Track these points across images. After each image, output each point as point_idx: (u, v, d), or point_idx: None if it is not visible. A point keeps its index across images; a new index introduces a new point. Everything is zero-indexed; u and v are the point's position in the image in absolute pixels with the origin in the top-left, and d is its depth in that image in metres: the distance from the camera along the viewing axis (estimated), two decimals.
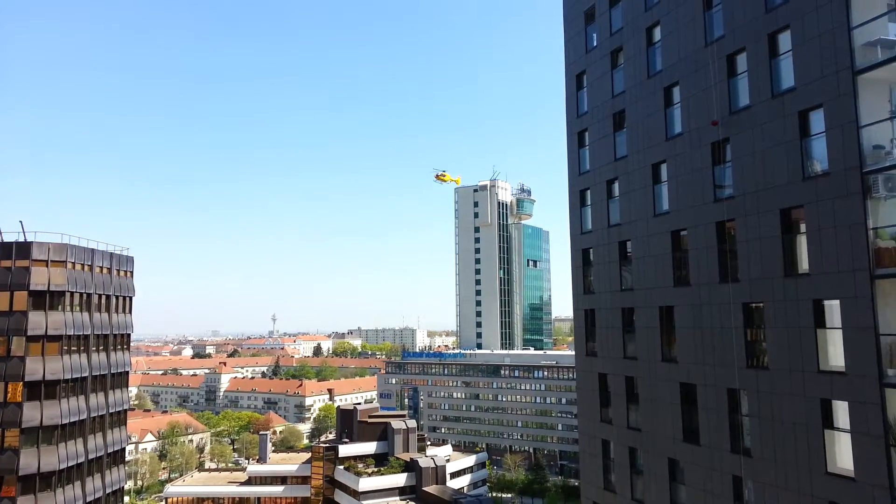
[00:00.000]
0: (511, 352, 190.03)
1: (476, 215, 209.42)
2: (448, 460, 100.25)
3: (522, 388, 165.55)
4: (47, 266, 58.07)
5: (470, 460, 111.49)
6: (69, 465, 58.49)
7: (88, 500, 61.79)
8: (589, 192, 38.96)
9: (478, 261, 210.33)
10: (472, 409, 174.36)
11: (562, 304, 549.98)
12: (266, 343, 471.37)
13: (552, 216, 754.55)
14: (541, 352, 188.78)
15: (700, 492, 28.80)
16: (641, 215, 33.54)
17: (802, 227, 24.54)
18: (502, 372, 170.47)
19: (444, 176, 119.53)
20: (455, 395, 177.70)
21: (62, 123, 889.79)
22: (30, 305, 56.96)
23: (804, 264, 24.42)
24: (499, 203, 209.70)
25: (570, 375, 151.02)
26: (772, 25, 26.10)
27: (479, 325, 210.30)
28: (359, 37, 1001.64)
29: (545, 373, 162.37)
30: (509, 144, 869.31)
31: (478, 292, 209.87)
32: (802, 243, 24.54)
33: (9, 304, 56.80)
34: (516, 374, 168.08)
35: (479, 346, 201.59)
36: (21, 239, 58.71)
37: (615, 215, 36.11)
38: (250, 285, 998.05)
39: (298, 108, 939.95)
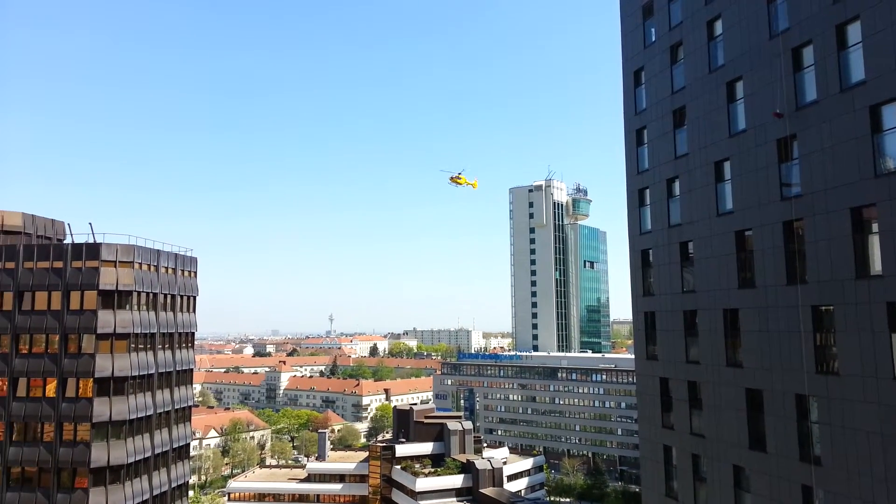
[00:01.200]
0: (568, 354, 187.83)
1: (531, 216, 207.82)
2: (505, 463, 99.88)
3: (580, 391, 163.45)
4: (115, 266, 60.21)
5: (527, 463, 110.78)
6: (136, 459, 60.48)
7: (155, 493, 63.78)
8: (648, 191, 38.09)
9: (533, 262, 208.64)
10: (529, 411, 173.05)
11: (620, 307, 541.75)
12: (324, 343, 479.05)
13: (610, 216, 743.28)
14: (599, 355, 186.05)
15: (767, 501, 27.76)
16: (704, 215, 32.58)
17: (874, 227, 23.39)
18: (559, 375, 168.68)
19: (460, 178, 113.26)
20: (511, 397, 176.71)
21: (128, 134, 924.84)
22: (99, 304, 59.17)
23: (877, 265, 23.25)
24: (554, 203, 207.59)
25: (630, 379, 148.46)
26: (840, 16, 24.97)
27: (535, 326, 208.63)
28: (411, 46, 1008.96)
29: (604, 376, 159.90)
30: (565, 143, 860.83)
31: (533, 294, 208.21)
32: (875, 243, 23.38)
33: (80, 304, 59.15)
34: (574, 377, 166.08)
35: (536, 349, 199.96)
36: (90, 240, 61.09)
37: (676, 215, 35.19)
38: (309, 286, 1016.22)
39: (357, 116, 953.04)
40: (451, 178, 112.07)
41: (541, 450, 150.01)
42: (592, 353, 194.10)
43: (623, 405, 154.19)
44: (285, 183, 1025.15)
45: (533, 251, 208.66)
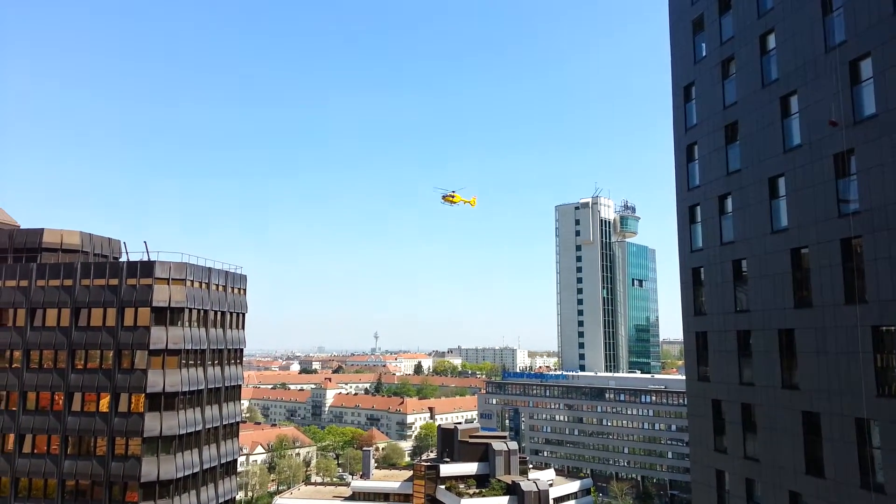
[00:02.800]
0: (616, 375, 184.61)
1: (577, 233, 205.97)
2: (551, 484, 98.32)
3: (629, 412, 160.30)
4: (168, 284, 61.73)
5: (574, 486, 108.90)
6: (185, 474, 61.48)
7: None
8: (699, 208, 37.30)
9: (580, 280, 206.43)
10: (576, 432, 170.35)
11: (670, 326, 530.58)
12: (369, 360, 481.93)
13: (659, 234, 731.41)
14: (648, 375, 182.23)
15: None
16: (757, 232, 31.70)
17: None
18: (607, 395, 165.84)
19: (454, 197, 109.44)
20: (557, 417, 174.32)
21: (177, 149, 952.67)
22: (152, 321, 60.62)
23: None
24: (601, 220, 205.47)
25: (681, 401, 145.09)
26: None
27: (581, 346, 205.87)
28: (458, 60, 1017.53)
29: (653, 397, 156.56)
30: (612, 160, 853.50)
31: (580, 312, 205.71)
32: None
33: (133, 320, 60.75)
34: (622, 398, 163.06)
35: (582, 368, 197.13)
36: (145, 258, 62.83)
37: (728, 232, 34.34)
38: (354, 304, 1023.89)
39: (395, 132, 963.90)
40: (444, 196, 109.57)
41: (588, 472, 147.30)
42: (641, 373, 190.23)
43: (673, 427, 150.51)
44: (332, 202, 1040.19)
45: (579, 269, 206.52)
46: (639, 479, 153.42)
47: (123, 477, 58.62)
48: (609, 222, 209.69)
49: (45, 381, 61.28)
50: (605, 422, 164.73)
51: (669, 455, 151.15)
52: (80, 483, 59.51)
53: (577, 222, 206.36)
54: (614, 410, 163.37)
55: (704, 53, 37.58)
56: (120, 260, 68.47)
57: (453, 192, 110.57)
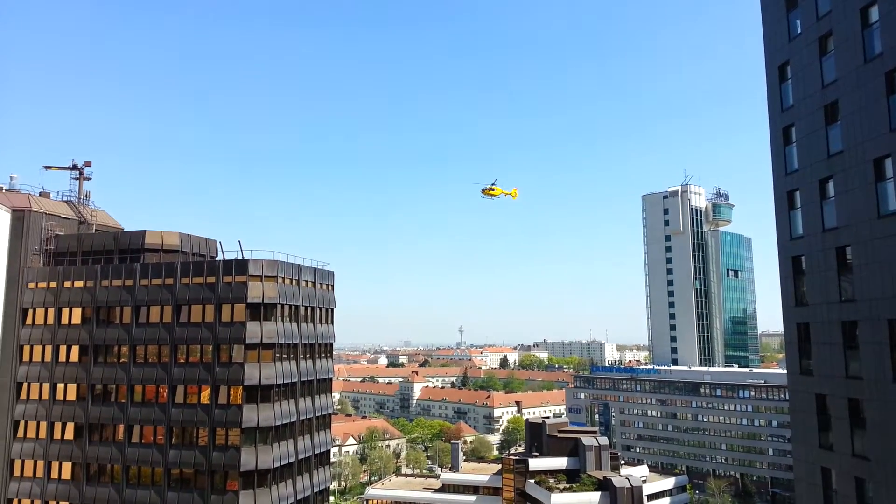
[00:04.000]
0: (711, 369, 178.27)
1: (667, 223, 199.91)
2: (644, 481, 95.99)
3: (726, 408, 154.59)
4: (261, 281, 63.96)
5: (668, 483, 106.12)
6: (282, 463, 63.61)
7: (299, 497, 66.74)
8: (798, 193, 35.30)
9: (670, 271, 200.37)
10: (669, 428, 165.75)
11: (770, 318, 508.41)
12: (454, 354, 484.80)
13: (755, 221, 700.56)
14: (746, 369, 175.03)
15: None
16: (863, 217, 29.67)
17: None
18: (702, 390, 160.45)
19: (494, 190, 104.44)
20: (650, 413, 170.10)
21: (267, 142, 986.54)
22: (247, 317, 63.00)
23: None
24: (692, 209, 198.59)
25: (782, 396, 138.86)
26: None
27: (673, 339, 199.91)
28: (546, 49, 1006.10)
29: (752, 392, 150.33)
30: (701, 146, 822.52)
31: (671, 305, 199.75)
32: None
33: (230, 316, 63.30)
34: (718, 393, 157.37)
35: (675, 362, 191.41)
36: (239, 257, 65.33)
37: (831, 218, 32.31)
38: (439, 298, 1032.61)
39: (477, 118, 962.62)
40: (484, 190, 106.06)
41: (683, 469, 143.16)
42: (739, 367, 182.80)
43: (774, 423, 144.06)
44: (418, 199, 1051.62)
45: (669, 260, 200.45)
46: (738, 476, 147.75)
47: (224, 466, 61.19)
48: (700, 211, 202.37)
49: (150, 375, 64.84)
50: (700, 417, 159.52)
51: (770, 452, 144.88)
52: (184, 472, 62.61)
53: (666, 212, 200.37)
54: (710, 406, 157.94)
55: (799, 30, 35.48)
56: (216, 259, 71.49)
57: (493, 184, 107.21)
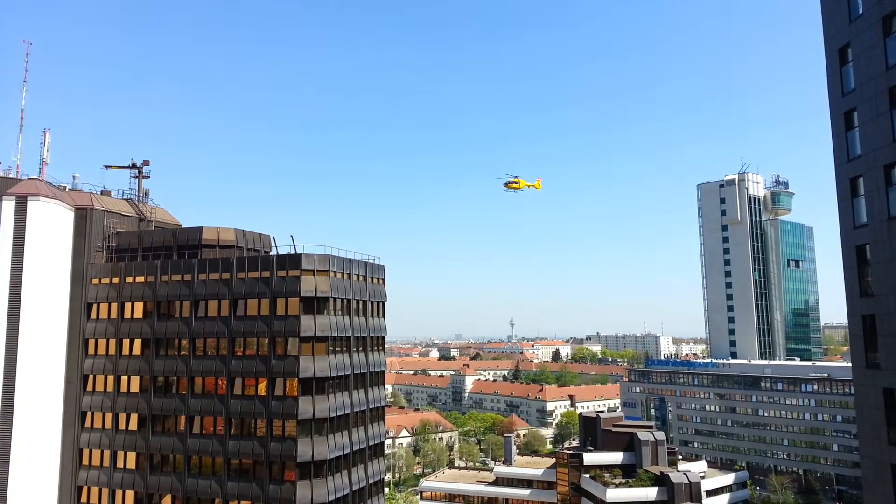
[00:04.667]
0: (772, 362, 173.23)
1: (723, 213, 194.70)
2: (703, 477, 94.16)
3: (787, 402, 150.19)
4: (314, 275, 64.84)
5: (728, 478, 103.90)
6: (337, 455, 64.46)
7: (354, 488, 67.57)
8: (862, 179, 33.81)
9: (727, 262, 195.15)
10: (728, 423, 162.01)
11: (833, 309, 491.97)
12: (505, 347, 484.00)
13: (816, 210, 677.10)
14: (808, 363, 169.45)
15: None
16: None
17: None
18: (762, 384, 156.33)
19: (518, 182, 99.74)
20: (708, 407, 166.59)
21: (328, 140, 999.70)
22: (301, 310, 63.97)
23: None
24: (749, 198, 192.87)
25: (847, 390, 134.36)
26: None
27: (731, 332, 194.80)
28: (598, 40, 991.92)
29: (815, 386, 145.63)
30: (759, 133, 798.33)
31: (729, 297, 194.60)
32: None
33: (284, 310, 64.42)
34: (779, 387, 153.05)
35: (734, 356, 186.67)
36: (292, 252, 66.35)
37: None
38: (490, 291, 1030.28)
39: (522, 112, 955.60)
40: (506, 183, 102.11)
41: (743, 465, 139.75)
42: (801, 360, 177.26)
43: (839, 418, 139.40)
44: (466, 195, 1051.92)
45: (727, 251, 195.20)
46: (800, 472, 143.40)
47: (281, 456, 62.36)
48: (759, 199, 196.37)
49: (209, 367, 66.54)
50: (761, 412, 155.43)
51: (835, 447, 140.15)
52: (243, 462, 64.08)
53: (723, 201, 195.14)
54: (771, 400, 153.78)
55: (861, 11, 33.91)
56: (270, 253, 72.80)
57: (516, 177, 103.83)
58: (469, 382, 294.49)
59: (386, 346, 78.67)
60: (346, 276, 68.46)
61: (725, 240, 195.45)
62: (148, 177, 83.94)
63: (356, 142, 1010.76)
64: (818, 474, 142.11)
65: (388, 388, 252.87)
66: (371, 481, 71.12)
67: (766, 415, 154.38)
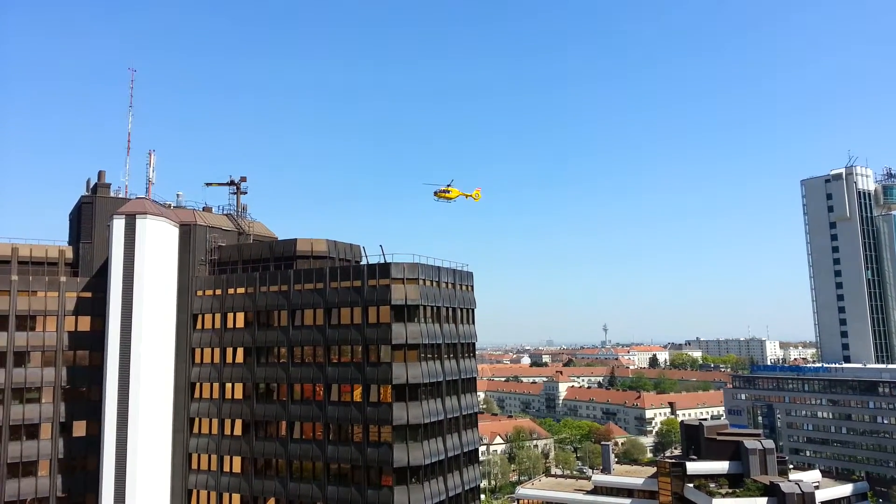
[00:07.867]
0: (890, 366, 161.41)
1: (830, 209, 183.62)
2: (817, 487, 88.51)
3: None
4: (404, 283, 65.40)
5: (845, 489, 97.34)
6: (432, 461, 64.60)
7: (450, 494, 67.46)
8: None
9: (837, 261, 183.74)
10: (843, 431, 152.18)
11: None
12: (599, 353, 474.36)
13: None
14: None
15: None
16: None
17: None
18: (880, 390, 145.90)
19: (450, 191, 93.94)
20: (820, 414, 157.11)
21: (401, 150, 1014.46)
22: (392, 318, 64.63)
23: None
24: (858, 193, 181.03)
25: None
26: None
27: (844, 335, 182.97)
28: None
29: None
30: (865, 125, 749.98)
31: (840, 297, 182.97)
32: None
33: (376, 318, 65.30)
34: None
35: (847, 360, 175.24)
36: (382, 261, 67.23)
37: None
38: (582, 296, 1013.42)
39: (609, 111, 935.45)
40: (437, 192, 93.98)
41: (862, 475, 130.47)
42: None
43: None
44: (557, 197, 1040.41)
45: (835, 249, 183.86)
46: None
47: (378, 462, 63.12)
48: (869, 194, 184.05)
49: (307, 374, 68.27)
50: (879, 419, 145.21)
51: None
52: (342, 466, 65.24)
53: (829, 196, 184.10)
54: (891, 406, 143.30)
55: None
56: (361, 263, 74.06)
57: (448, 185, 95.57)
58: (563, 389, 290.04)
59: (476, 352, 78.39)
60: (434, 283, 68.75)
61: (834, 237, 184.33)
62: (245, 192, 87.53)
63: (449, 148, 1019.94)
64: None
65: (481, 395, 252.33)
66: (467, 487, 70.88)
67: (885, 422, 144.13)
